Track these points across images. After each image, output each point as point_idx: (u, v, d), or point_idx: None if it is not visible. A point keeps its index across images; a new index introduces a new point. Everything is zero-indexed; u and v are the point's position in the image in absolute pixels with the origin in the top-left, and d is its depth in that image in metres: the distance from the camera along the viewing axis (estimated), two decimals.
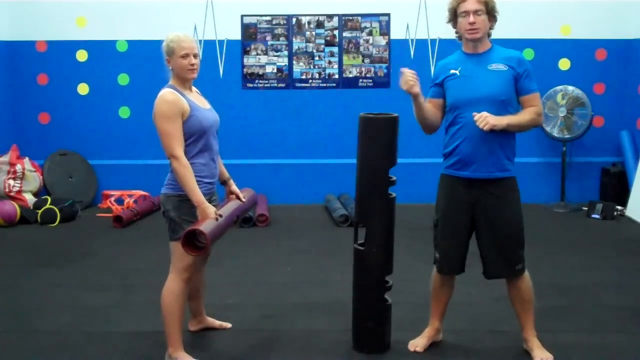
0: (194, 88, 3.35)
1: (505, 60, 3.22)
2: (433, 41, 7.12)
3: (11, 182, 6.69)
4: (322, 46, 7.20)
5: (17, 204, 6.40)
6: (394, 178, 3.36)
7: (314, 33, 7.19)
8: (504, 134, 3.19)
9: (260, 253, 5.37)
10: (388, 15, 7.17)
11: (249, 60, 7.21)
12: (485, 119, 3.06)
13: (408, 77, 3.13)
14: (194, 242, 3.02)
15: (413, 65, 7.00)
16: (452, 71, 3.26)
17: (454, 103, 3.24)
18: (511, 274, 3.29)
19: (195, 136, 3.18)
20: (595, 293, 4.32)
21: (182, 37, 3.21)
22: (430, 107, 3.31)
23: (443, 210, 3.33)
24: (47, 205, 6.39)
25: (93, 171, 7.27)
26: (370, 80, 7.21)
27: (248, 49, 7.20)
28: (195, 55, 3.22)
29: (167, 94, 3.16)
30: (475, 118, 3.08)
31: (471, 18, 3.17)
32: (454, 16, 3.26)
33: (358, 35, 7.18)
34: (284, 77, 7.23)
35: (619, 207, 6.54)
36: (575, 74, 7.10)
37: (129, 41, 7.16)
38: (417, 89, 3.15)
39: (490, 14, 3.22)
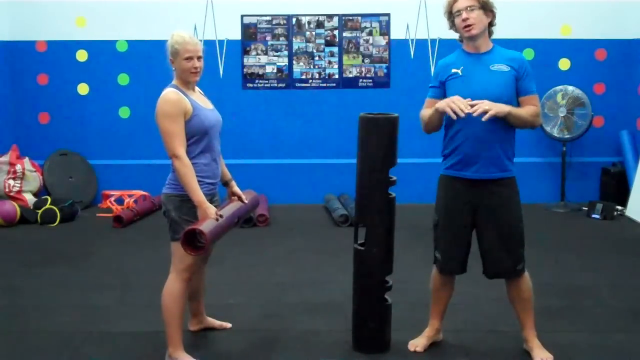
0: (197, 88, 3.36)
1: (507, 60, 3.21)
2: (433, 41, 7.11)
3: (11, 182, 6.69)
4: (322, 46, 7.20)
5: (17, 204, 6.40)
6: (394, 178, 3.36)
7: (314, 33, 7.18)
8: (504, 134, 3.19)
9: (260, 253, 5.37)
10: (388, 15, 7.17)
11: (249, 60, 7.21)
12: (486, 108, 3.01)
13: (462, 106, 3.03)
14: (194, 242, 3.02)
15: (413, 65, 7.14)
16: (454, 70, 3.23)
17: None
18: (512, 274, 3.29)
19: (198, 136, 3.18)
20: (595, 293, 4.32)
21: (187, 40, 3.19)
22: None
23: (444, 211, 3.32)
24: (47, 205, 6.39)
25: (93, 171, 7.27)
26: (370, 80, 7.21)
27: (248, 49, 7.20)
28: (199, 58, 3.22)
29: (170, 94, 3.16)
30: (473, 108, 3.02)
31: (464, 15, 3.15)
32: (450, 18, 3.25)
33: (358, 35, 7.18)
34: (284, 77, 7.23)
35: (619, 207, 6.54)
36: (575, 74, 7.10)
37: (129, 41, 7.16)
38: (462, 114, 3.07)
39: (485, 8, 3.18)
